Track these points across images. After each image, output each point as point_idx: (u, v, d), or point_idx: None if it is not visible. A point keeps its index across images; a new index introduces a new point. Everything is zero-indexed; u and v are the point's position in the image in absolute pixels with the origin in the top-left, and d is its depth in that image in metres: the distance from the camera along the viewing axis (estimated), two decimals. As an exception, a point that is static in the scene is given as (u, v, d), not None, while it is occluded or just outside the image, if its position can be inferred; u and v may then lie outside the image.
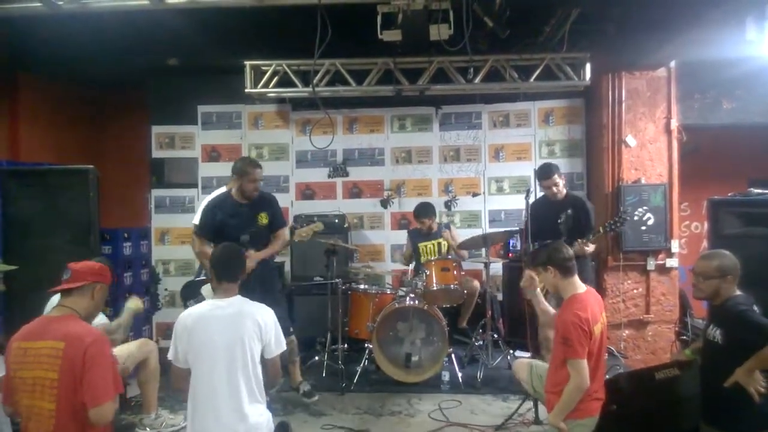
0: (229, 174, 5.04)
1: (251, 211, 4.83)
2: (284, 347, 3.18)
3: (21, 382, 2.68)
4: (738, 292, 3.38)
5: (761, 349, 3.07)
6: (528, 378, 3.84)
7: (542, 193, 5.49)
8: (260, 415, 3.04)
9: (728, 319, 3.29)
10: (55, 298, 3.41)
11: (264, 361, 3.08)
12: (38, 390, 2.63)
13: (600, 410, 3.33)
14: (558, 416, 3.27)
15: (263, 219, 4.85)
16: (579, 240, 4.89)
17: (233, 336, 2.98)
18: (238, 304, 3.10)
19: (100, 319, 3.53)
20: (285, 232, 5.08)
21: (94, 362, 2.61)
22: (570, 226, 5.10)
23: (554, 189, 5.23)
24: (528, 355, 5.52)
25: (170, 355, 3.05)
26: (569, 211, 5.16)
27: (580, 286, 3.47)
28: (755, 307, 3.32)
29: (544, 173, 5.29)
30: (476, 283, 6.19)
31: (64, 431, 2.63)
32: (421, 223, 6.29)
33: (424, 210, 6.28)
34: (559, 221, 5.15)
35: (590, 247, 4.99)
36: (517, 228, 6.66)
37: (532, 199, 5.30)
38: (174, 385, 3.16)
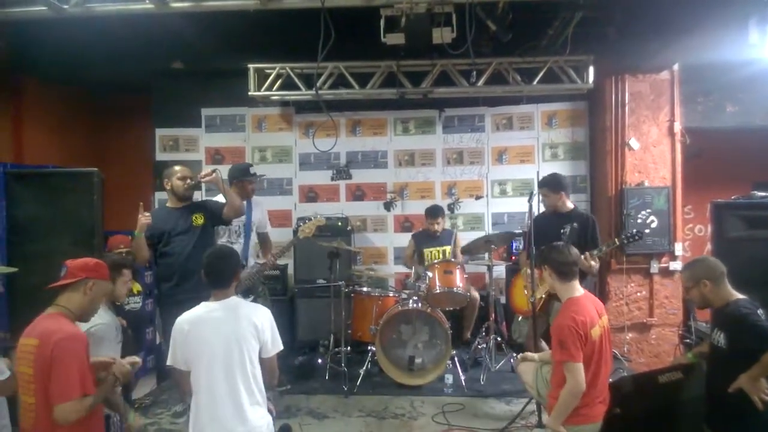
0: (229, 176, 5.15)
1: None
2: (281, 347, 3.18)
3: (19, 377, 2.79)
4: (739, 295, 3.35)
5: (764, 355, 3.06)
6: (533, 382, 3.82)
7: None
8: (261, 417, 3.04)
9: (731, 323, 3.28)
10: None
11: (261, 361, 3.09)
12: (24, 385, 2.73)
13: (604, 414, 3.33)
14: (555, 420, 3.27)
15: None
16: (587, 254, 4.64)
17: (229, 338, 2.98)
18: (234, 305, 3.09)
19: (101, 319, 3.42)
20: None
21: (59, 359, 2.64)
22: (574, 240, 4.82)
23: (559, 203, 5.10)
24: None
25: (169, 360, 3.06)
26: (574, 224, 4.99)
27: (577, 290, 3.48)
28: (760, 311, 3.28)
29: (551, 185, 5.14)
30: (476, 295, 6.17)
31: (43, 426, 2.68)
32: (436, 224, 6.32)
33: (440, 210, 6.40)
34: (562, 232, 4.99)
35: (596, 263, 4.70)
36: (520, 230, 6.66)
37: (534, 202, 5.27)
38: (180, 388, 3.17)
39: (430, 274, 5.61)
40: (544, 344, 4.51)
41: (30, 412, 2.70)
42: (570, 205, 5.20)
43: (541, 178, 5.21)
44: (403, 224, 7.31)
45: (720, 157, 7.02)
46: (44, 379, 2.65)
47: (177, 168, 4.76)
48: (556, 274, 3.48)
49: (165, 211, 4.72)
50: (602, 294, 6.44)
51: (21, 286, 4.73)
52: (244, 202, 5.01)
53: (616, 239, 4.87)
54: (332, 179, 7.39)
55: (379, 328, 5.41)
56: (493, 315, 5.70)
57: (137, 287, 5.17)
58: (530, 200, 5.25)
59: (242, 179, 5.17)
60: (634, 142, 6.48)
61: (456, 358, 5.49)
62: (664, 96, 6.48)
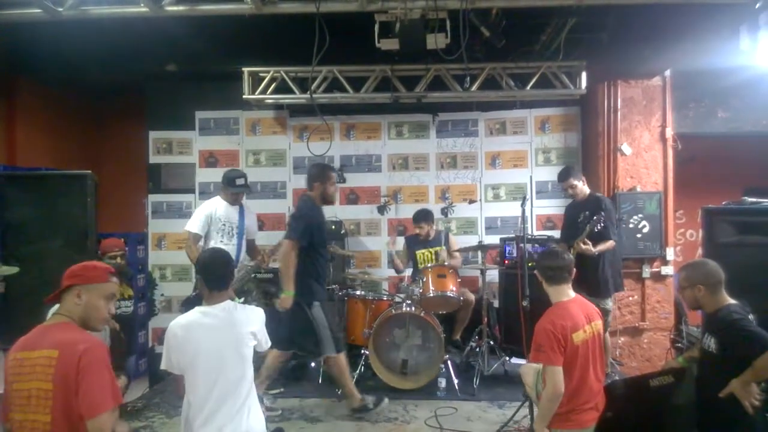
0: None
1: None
2: (270, 344, 3.21)
3: (17, 395, 2.50)
4: (731, 301, 3.36)
5: (755, 360, 3.07)
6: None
7: None
8: (256, 420, 3.05)
9: (722, 328, 3.28)
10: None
11: None
12: (33, 402, 2.45)
13: (596, 420, 3.33)
14: (539, 424, 3.28)
15: None
16: (574, 245, 5.03)
17: (225, 343, 2.99)
18: (229, 310, 3.08)
19: None
20: None
21: (89, 370, 2.41)
22: (586, 226, 5.19)
23: (570, 191, 5.52)
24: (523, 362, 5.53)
25: (163, 365, 3.04)
26: (586, 212, 5.32)
27: (566, 295, 3.47)
28: (751, 317, 3.29)
29: (559, 177, 5.64)
30: (471, 295, 6.20)
31: None
32: (419, 228, 6.31)
33: (423, 215, 6.35)
34: (578, 221, 5.33)
35: (590, 248, 5.05)
36: (513, 235, 6.69)
37: (527, 207, 5.37)
38: (177, 390, 3.16)
39: (423, 278, 5.63)
40: None
41: None
42: (586, 191, 5.57)
43: (559, 173, 5.69)
44: (397, 228, 7.32)
45: (711, 162, 7.09)
46: (67, 393, 2.40)
47: (335, 174, 4.99)
48: (544, 278, 3.51)
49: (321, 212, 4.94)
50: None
51: (14, 289, 4.72)
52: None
53: (587, 227, 5.12)
54: (326, 183, 7.38)
55: (373, 331, 5.41)
56: (486, 319, 5.70)
57: (129, 292, 5.17)
58: (523, 204, 5.29)
59: (227, 188, 5.25)
60: (626, 148, 6.52)
61: (449, 362, 5.50)
62: (656, 102, 6.54)
